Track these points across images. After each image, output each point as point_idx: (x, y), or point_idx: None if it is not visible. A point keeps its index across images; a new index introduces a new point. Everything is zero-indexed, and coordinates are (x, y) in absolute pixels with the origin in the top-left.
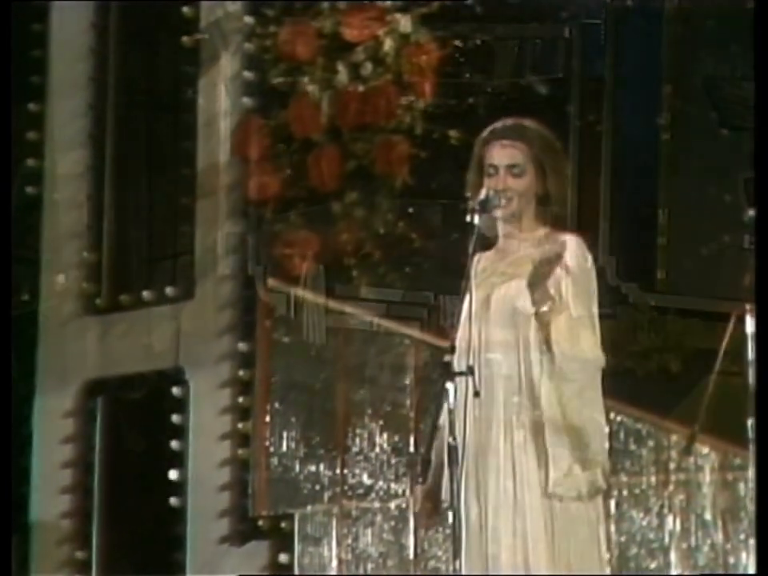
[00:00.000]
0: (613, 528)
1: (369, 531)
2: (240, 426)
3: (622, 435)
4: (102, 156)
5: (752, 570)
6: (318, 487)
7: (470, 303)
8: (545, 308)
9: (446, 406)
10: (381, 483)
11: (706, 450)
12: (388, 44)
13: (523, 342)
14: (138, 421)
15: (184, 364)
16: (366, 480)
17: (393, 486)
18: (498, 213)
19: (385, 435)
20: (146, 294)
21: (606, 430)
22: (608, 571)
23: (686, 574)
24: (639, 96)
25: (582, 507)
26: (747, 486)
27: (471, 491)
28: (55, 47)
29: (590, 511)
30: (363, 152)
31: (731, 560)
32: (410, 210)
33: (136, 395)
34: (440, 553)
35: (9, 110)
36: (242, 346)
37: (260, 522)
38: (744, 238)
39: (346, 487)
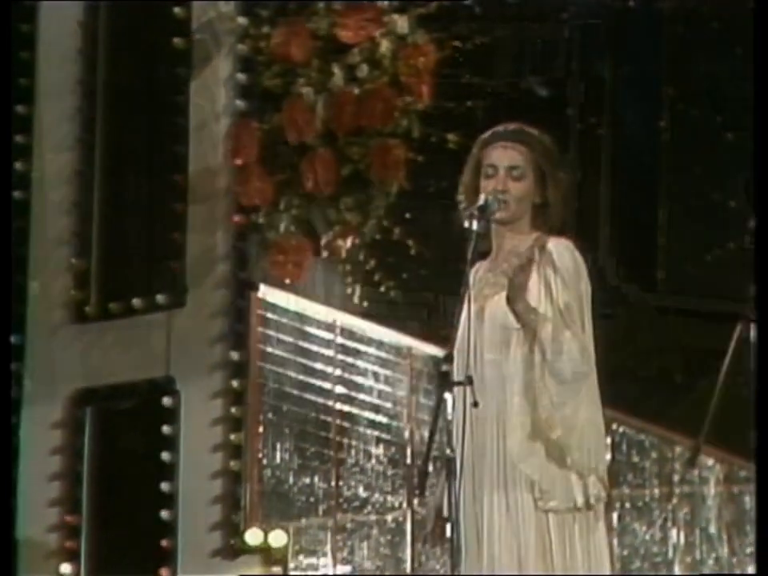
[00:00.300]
0: (615, 541)
1: (365, 545)
2: (232, 437)
3: (624, 446)
4: (91, 160)
5: None
6: (312, 500)
7: (467, 312)
8: (529, 320)
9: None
10: (377, 496)
11: (710, 461)
12: (384, 45)
13: (513, 356)
14: (127, 431)
15: (175, 373)
16: (362, 492)
17: (389, 498)
18: (495, 217)
19: (381, 447)
20: (136, 301)
21: (605, 438)
22: None
23: None
24: (640, 98)
25: (582, 518)
26: (753, 499)
27: (469, 504)
28: (42, 48)
29: (590, 522)
30: (359, 156)
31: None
32: (407, 215)
33: (126, 405)
34: (438, 566)
35: (9, 111)
36: (234, 355)
37: None
38: (745, 239)
39: (341, 500)
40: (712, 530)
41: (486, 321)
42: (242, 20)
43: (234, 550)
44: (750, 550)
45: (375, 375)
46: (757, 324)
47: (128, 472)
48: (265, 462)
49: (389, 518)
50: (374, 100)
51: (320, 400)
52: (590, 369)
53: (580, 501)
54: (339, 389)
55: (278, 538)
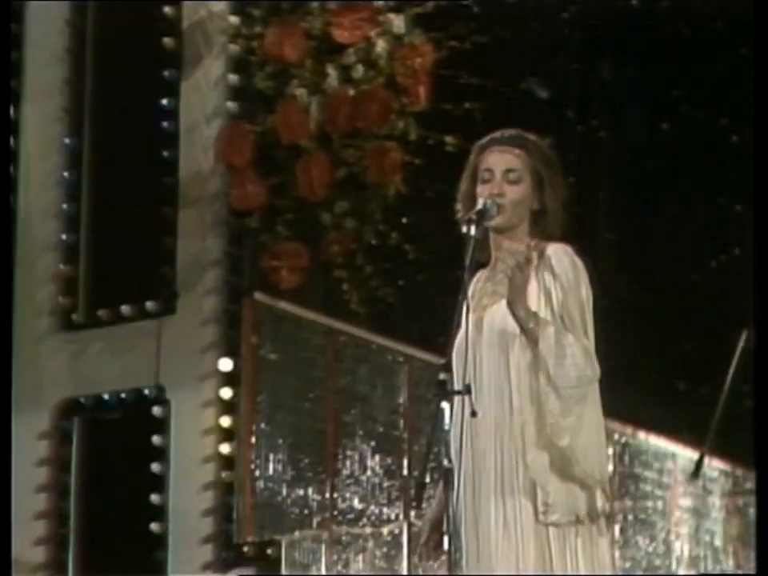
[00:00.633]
0: (617, 555)
1: (360, 558)
2: (224, 447)
3: (626, 457)
4: (79, 163)
5: None
6: (306, 512)
7: (466, 320)
8: (531, 325)
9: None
10: (372, 508)
11: (715, 473)
12: (380, 45)
13: (513, 364)
14: (116, 442)
15: (165, 383)
16: (357, 504)
17: (385, 510)
18: (493, 223)
19: (377, 457)
20: (125, 308)
21: (607, 449)
22: None
23: None
24: (642, 99)
25: (584, 531)
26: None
27: (469, 516)
28: (29, 49)
29: (593, 536)
30: (354, 159)
31: None
32: (404, 220)
33: (114, 415)
34: None
35: (8, 112)
36: (226, 364)
37: (245, 549)
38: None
39: (335, 512)
40: (717, 543)
41: (484, 330)
42: (233, 19)
43: (227, 563)
44: (755, 563)
45: (372, 383)
46: (756, 330)
47: (117, 484)
48: (258, 473)
49: (385, 530)
50: (370, 101)
51: (315, 409)
52: (595, 373)
53: (582, 513)
54: (334, 397)
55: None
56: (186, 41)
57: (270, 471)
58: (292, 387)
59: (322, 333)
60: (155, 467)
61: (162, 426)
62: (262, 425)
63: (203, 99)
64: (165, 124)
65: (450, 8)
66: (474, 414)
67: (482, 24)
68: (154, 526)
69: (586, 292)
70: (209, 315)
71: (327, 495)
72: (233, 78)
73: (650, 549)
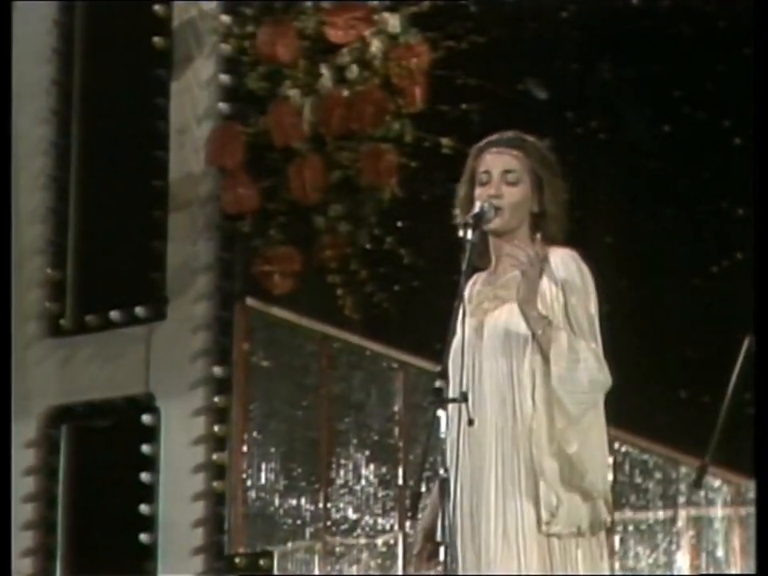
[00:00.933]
0: (617, 566)
1: (354, 569)
2: (215, 456)
3: (627, 467)
4: (67, 165)
5: None
6: (299, 522)
7: (462, 326)
8: (543, 328)
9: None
10: (367, 518)
11: (717, 482)
12: (375, 45)
13: (517, 370)
14: (105, 451)
15: (155, 390)
16: (351, 514)
17: (380, 520)
18: (491, 226)
19: (371, 466)
20: (114, 314)
21: (609, 459)
22: None
23: None
24: (643, 101)
25: (585, 543)
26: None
27: (466, 527)
28: (16, 48)
29: (592, 548)
30: (349, 162)
31: None
32: (399, 224)
33: (103, 423)
34: None
35: (8, 111)
36: (217, 371)
37: (237, 560)
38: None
39: (329, 522)
40: (719, 554)
41: (486, 335)
42: (225, 18)
43: (218, 574)
44: None
45: (366, 390)
46: (756, 336)
47: (106, 493)
48: (249, 482)
49: (379, 541)
50: (365, 103)
51: (308, 417)
52: (607, 380)
53: (585, 525)
54: (328, 405)
55: None
56: (176, 40)
57: (262, 481)
58: (285, 395)
59: (315, 339)
60: (145, 476)
61: (151, 434)
62: (254, 433)
63: (194, 100)
64: (155, 125)
65: (446, 7)
66: (471, 422)
67: (479, 23)
68: (143, 537)
69: (593, 298)
70: (200, 321)
71: (320, 505)
72: (224, 78)
73: (651, 560)
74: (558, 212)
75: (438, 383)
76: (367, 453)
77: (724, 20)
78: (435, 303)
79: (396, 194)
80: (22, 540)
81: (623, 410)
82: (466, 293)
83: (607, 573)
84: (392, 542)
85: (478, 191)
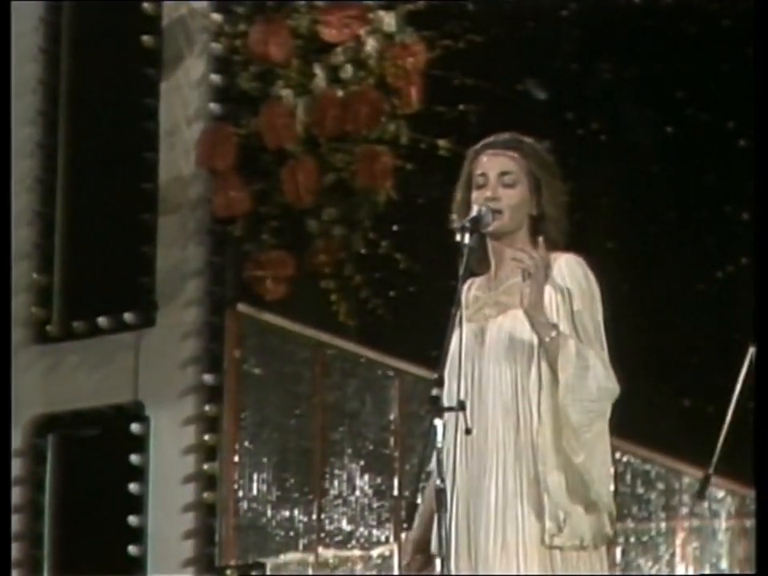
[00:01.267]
0: None
1: None
2: (206, 466)
3: (628, 477)
4: (54, 167)
5: None
6: (292, 534)
7: (460, 332)
8: (551, 335)
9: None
10: (361, 529)
11: (721, 493)
12: (370, 44)
13: (522, 379)
14: (92, 461)
15: (144, 398)
16: (346, 526)
17: (375, 532)
18: (489, 229)
19: (366, 477)
20: (102, 320)
21: (612, 470)
22: None
23: None
24: (645, 101)
25: (586, 556)
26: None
27: (462, 539)
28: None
29: (593, 560)
30: (343, 164)
31: None
32: (395, 227)
33: (91, 433)
34: None
35: (8, 110)
36: (208, 379)
37: (228, 572)
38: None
39: (323, 534)
40: (723, 566)
41: (488, 342)
42: (216, 17)
43: None
44: None
45: (361, 399)
46: (757, 345)
47: (93, 504)
48: (241, 493)
49: (374, 553)
50: (359, 103)
51: (301, 426)
52: (615, 388)
53: (588, 538)
54: (322, 414)
55: None
56: (166, 39)
57: (254, 491)
58: (277, 403)
59: (308, 346)
60: (133, 487)
61: (140, 443)
62: (246, 442)
63: (184, 100)
64: (144, 126)
65: (443, 5)
66: (468, 431)
67: (477, 22)
68: (131, 549)
69: (599, 305)
70: (190, 327)
71: (314, 516)
72: (215, 78)
73: (653, 572)
74: (558, 214)
75: (434, 391)
76: (362, 463)
77: (728, 18)
78: (432, 309)
79: (391, 197)
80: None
81: (624, 419)
82: (463, 297)
83: None
84: (387, 553)
85: (474, 194)
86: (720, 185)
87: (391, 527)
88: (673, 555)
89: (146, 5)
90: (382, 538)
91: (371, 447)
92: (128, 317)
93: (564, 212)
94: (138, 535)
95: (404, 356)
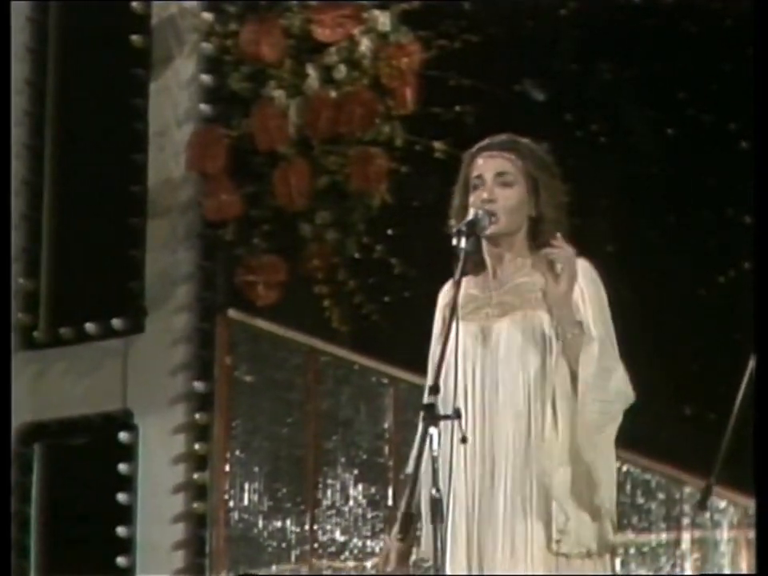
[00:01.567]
0: None
1: None
2: (196, 476)
3: (628, 487)
4: (40, 169)
5: None
6: (284, 545)
7: (456, 336)
8: (575, 331)
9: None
10: (355, 540)
11: (723, 503)
12: (364, 44)
13: (534, 382)
14: (80, 470)
15: (132, 406)
16: (339, 537)
17: (369, 543)
18: (486, 231)
19: (360, 486)
20: (89, 326)
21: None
22: None
23: None
24: (646, 103)
25: (591, 564)
26: None
27: (461, 548)
28: None
29: (597, 568)
30: (336, 166)
31: None
32: (390, 231)
33: (78, 441)
34: None
35: (8, 112)
36: (198, 386)
37: None
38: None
39: (316, 545)
40: None
41: (494, 344)
42: (207, 16)
43: None
44: None
45: (355, 407)
46: (757, 352)
47: (81, 515)
48: (232, 503)
49: (368, 564)
50: (353, 104)
51: (293, 435)
52: (631, 392)
53: (594, 546)
54: (315, 422)
55: None
56: (155, 39)
57: (245, 501)
58: (269, 411)
59: (301, 353)
60: (122, 497)
61: (128, 452)
62: (237, 452)
63: (174, 101)
64: (133, 128)
65: (439, 5)
66: (464, 439)
67: (474, 21)
68: (120, 560)
69: (609, 313)
70: (180, 334)
71: (306, 527)
72: (206, 78)
73: None
74: (557, 216)
75: (429, 399)
76: (356, 472)
77: (730, 17)
78: (427, 315)
79: (386, 201)
80: None
81: (624, 427)
82: (459, 299)
83: None
84: None
85: (471, 198)
86: (722, 187)
87: (385, 538)
88: (674, 567)
89: (134, 4)
90: (377, 549)
91: (365, 456)
92: (116, 323)
93: (563, 213)
94: (126, 546)
95: (399, 363)
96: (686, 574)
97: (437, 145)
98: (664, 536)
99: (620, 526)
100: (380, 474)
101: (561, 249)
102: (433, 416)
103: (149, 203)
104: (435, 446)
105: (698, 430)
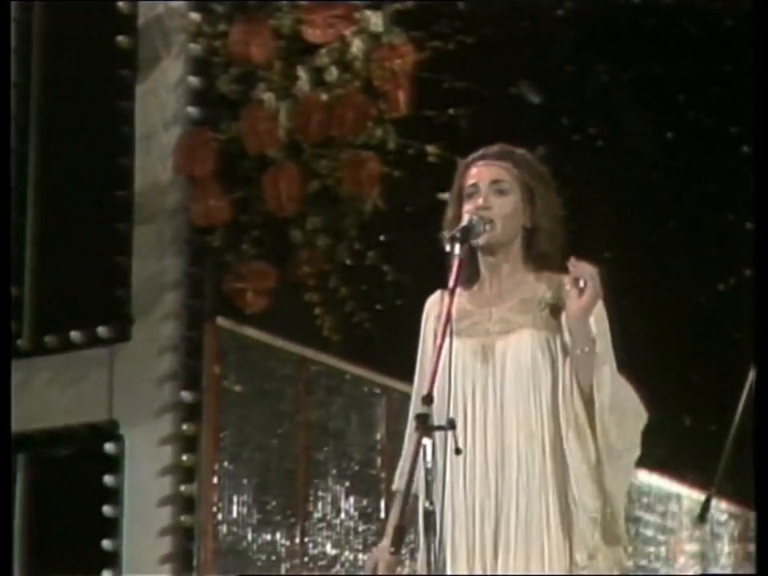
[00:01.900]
0: None
1: None
2: (183, 488)
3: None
4: (25, 174)
5: None
6: (273, 558)
7: (450, 346)
8: (586, 349)
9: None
10: (347, 554)
11: (723, 516)
12: (356, 46)
13: (545, 400)
14: (64, 482)
15: (118, 416)
16: (330, 550)
17: (360, 556)
18: (480, 240)
19: (351, 499)
20: (74, 334)
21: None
22: None
23: None
24: (645, 105)
25: None
26: None
27: (461, 562)
28: None
29: None
30: (327, 170)
31: None
32: (382, 237)
33: (63, 452)
34: None
35: (8, 114)
36: (185, 396)
37: None
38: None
39: (306, 558)
40: None
41: (498, 362)
42: (194, 16)
43: None
44: None
45: (346, 417)
46: (757, 363)
47: (65, 527)
48: (220, 516)
49: None
50: (345, 107)
51: (283, 446)
52: (644, 412)
53: (616, 570)
54: (305, 433)
55: None
56: (142, 39)
57: (234, 514)
58: (258, 422)
59: (291, 362)
60: (107, 509)
61: (114, 464)
62: (225, 463)
63: (161, 104)
64: (119, 131)
65: (432, 5)
66: (458, 451)
67: (468, 22)
68: (106, 574)
69: (608, 324)
70: (167, 342)
71: (297, 540)
72: (194, 80)
73: None
74: (552, 227)
75: (423, 410)
76: (347, 484)
77: (731, 18)
78: (420, 324)
79: (378, 206)
80: None
81: None
82: (453, 310)
83: None
84: None
85: (466, 206)
86: (722, 192)
87: (374, 550)
88: None
89: (120, 4)
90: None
91: (357, 468)
92: (102, 331)
93: (559, 225)
94: (112, 559)
95: (391, 372)
96: None
97: (430, 148)
98: (663, 549)
99: None
100: (372, 485)
101: (583, 265)
102: (426, 426)
103: (135, 208)
104: (429, 457)
105: (698, 441)
